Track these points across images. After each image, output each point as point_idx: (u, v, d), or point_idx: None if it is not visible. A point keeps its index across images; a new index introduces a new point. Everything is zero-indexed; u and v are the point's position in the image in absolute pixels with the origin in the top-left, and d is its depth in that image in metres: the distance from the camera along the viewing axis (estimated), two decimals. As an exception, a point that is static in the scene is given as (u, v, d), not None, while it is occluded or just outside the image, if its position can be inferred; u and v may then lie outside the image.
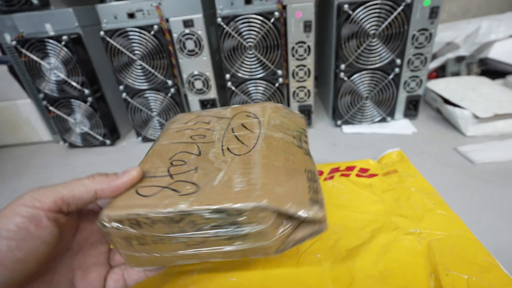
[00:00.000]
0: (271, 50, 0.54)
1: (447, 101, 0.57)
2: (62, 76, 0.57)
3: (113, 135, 0.66)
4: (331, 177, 0.43)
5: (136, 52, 0.55)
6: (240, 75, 0.57)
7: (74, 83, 0.58)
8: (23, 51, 0.54)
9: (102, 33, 0.53)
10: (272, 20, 0.51)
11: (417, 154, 0.49)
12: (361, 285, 0.28)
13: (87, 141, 0.65)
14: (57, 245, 0.19)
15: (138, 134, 0.65)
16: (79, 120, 0.62)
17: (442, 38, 0.72)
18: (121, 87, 0.59)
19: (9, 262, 0.16)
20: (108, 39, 0.53)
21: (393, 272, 0.29)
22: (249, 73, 0.56)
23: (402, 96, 0.59)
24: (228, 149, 0.26)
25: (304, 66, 0.56)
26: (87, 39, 0.57)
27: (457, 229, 0.32)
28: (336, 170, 0.45)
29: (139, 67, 0.57)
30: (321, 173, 0.45)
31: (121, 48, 0.54)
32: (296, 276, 0.30)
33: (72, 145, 0.66)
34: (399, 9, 0.50)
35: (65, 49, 0.54)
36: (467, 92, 0.57)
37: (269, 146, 0.26)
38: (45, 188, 0.19)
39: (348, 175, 0.43)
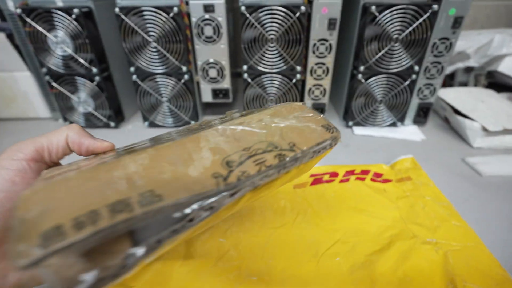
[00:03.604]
0: (292, 45, 0.53)
1: (456, 111, 0.59)
2: (70, 51, 0.54)
3: (117, 117, 0.63)
4: (347, 180, 0.44)
5: (152, 33, 0.52)
6: (258, 67, 0.55)
7: (81, 60, 0.55)
8: (29, 20, 0.51)
9: (117, 9, 0.50)
10: (298, 14, 0.49)
11: (426, 162, 0.50)
12: (381, 290, 0.29)
13: (90, 122, 0.62)
14: None
15: (145, 119, 0.62)
16: (83, 99, 0.59)
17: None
18: (132, 69, 0.56)
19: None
20: (123, 16, 0.50)
21: (412, 280, 0.30)
22: (268, 67, 0.55)
23: (414, 103, 0.60)
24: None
25: (323, 64, 0.55)
26: (99, 14, 0.53)
27: (471, 241, 0.33)
28: (351, 173, 0.45)
29: (153, 50, 0.54)
30: (336, 174, 0.45)
31: (137, 28, 0.52)
32: (316, 278, 0.31)
33: (73, 125, 0.63)
34: (425, 16, 0.49)
35: (74, 22, 0.51)
36: (477, 104, 0.58)
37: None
38: (25, 140, 0.21)
39: (363, 179, 0.44)
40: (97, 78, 0.57)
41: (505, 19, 0.95)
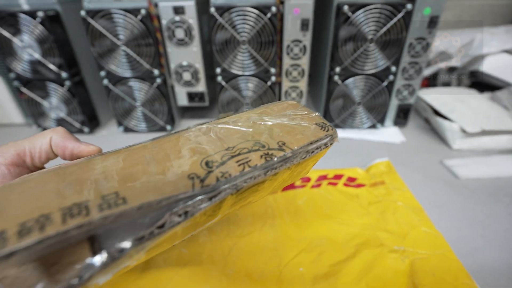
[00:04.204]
0: (265, 47, 0.52)
1: (437, 112, 0.58)
2: (36, 56, 0.52)
3: (92, 122, 0.62)
4: (319, 185, 0.43)
5: (121, 37, 0.51)
6: (231, 70, 0.54)
7: (50, 65, 0.53)
8: (-8, 25, 0.49)
9: (83, 13, 0.48)
10: (269, 15, 0.48)
11: (404, 165, 0.48)
12: (343, 303, 0.27)
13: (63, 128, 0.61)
14: None
15: (120, 124, 0.61)
16: (55, 104, 0.58)
17: (436, 46, 0.72)
18: (103, 73, 0.54)
19: None
20: (89, 20, 0.49)
21: (375, 291, 0.28)
22: (241, 69, 0.54)
23: (394, 104, 0.58)
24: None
25: (299, 65, 0.54)
26: (67, 17, 0.52)
27: (440, 249, 0.32)
28: (324, 178, 0.44)
29: (123, 53, 0.53)
30: (308, 179, 0.44)
31: (104, 32, 0.50)
32: (278, 291, 0.29)
33: (46, 131, 0.61)
34: (399, 16, 0.48)
35: (40, 26, 0.49)
36: (456, 104, 0.57)
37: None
38: (8, 143, 0.20)
39: (335, 184, 0.43)
40: (67, 83, 0.55)
41: (490, 18, 0.94)
